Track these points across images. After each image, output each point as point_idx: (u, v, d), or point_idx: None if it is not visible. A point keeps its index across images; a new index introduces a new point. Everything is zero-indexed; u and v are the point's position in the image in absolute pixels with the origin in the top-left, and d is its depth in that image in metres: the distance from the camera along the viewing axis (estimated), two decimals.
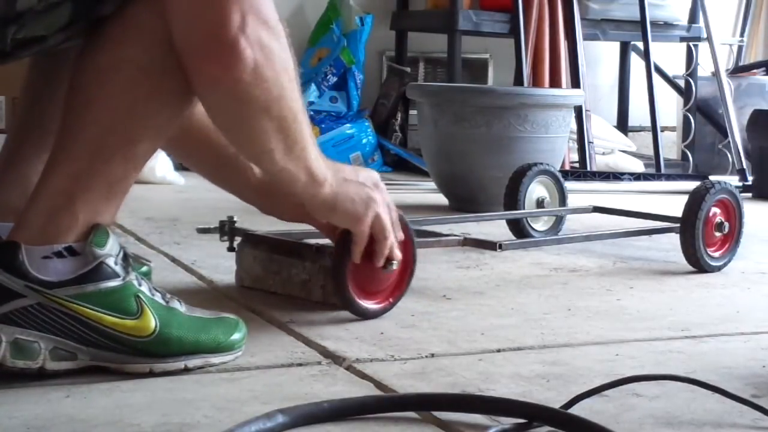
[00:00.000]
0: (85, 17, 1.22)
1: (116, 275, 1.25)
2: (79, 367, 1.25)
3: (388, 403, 1.18)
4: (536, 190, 2.45)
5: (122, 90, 1.23)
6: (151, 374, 1.27)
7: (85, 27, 1.24)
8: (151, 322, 1.26)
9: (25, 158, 1.46)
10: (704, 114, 4.49)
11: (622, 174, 3.75)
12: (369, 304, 1.61)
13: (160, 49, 1.22)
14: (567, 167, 3.79)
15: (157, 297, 1.29)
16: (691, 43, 4.44)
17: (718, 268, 2.13)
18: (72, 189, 1.23)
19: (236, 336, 1.35)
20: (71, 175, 1.24)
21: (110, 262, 1.25)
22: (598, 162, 3.96)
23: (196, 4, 1.18)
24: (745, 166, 3.83)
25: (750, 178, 3.75)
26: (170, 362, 1.28)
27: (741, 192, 2.34)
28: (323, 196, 1.42)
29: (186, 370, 1.29)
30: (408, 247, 1.66)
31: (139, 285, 1.28)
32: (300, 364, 1.36)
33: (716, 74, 4.07)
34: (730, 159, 4.10)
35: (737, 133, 3.94)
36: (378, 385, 1.28)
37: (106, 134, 1.23)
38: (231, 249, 1.81)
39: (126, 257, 1.28)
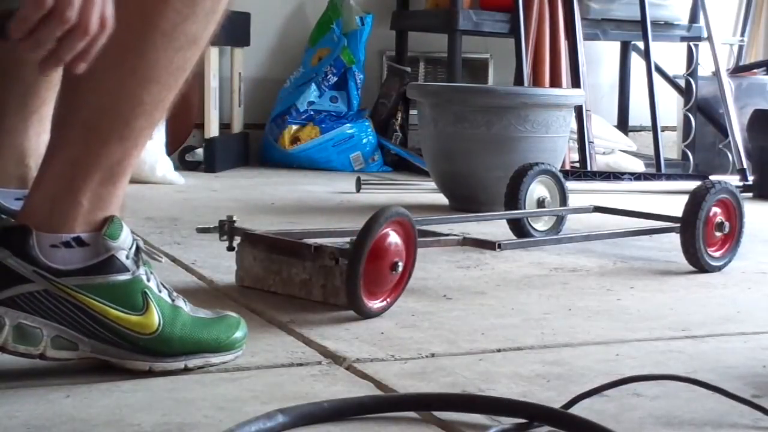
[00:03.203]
0: None
1: (126, 269, 1.25)
2: (78, 357, 1.24)
3: (388, 403, 1.18)
4: (537, 189, 2.45)
5: (107, 69, 1.20)
6: (151, 373, 1.27)
7: None
8: (155, 319, 1.26)
9: (13, 126, 1.44)
10: (705, 114, 4.48)
11: (623, 174, 3.74)
12: (372, 304, 1.61)
13: (141, 23, 1.20)
14: (567, 167, 3.79)
15: (164, 294, 1.29)
16: (691, 43, 4.43)
17: (719, 268, 2.13)
18: (72, 174, 1.22)
19: (237, 335, 1.34)
20: (69, 161, 1.22)
21: (121, 255, 1.25)
22: (599, 162, 3.96)
23: None
24: (745, 166, 3.83)
25: (750, 178, 3.75)
26: (170, 361, 1.28)
27: (741, 192, 2.34)
28: None
29: (186, 370, 1.29)
30: (409, 249, 1.66)
31: (148, 281, 1.27)
32: (300, 364, 1.36)
33: (717, 74, 4.07)
34: (731, 159, 4.09)
35: (738, 133, 3.94)
36: (378, 385, 1.28)
37: (99, 116, 1.22)
38: (231, 249, 1.81)
39: (138, 251, 1.28)
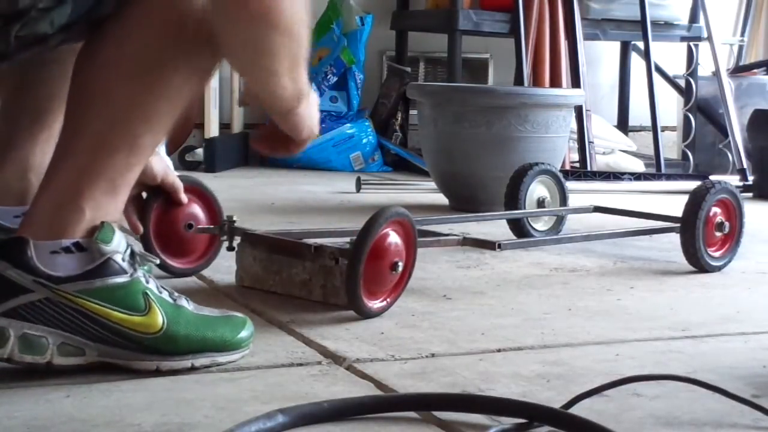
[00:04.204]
0: (84, 17, 1.24)
1: (123, 272, 1.26)
2: (86, 363, 1.25)
3: (388, 403, 1.18)
4: (537, 189, 2.45)
5: (122, 84, 1.26)
6: (157, 372, 1.27)
7: (84, 29, 1.26)
8: (159, 318, 1.27)
9: (20, 141, 1.47)
10: (705, 114, 4.49)
11: (623, 174, 3.74)
12: (372, 304, 1.61)
13: (159, 44, 1.25)
14: (567, 167, 3.79)
15: (165, 295, 1.30)
16: (691, 43, 4.44)
17: (719, 268, 2.13)
18: (77, 182, 1.25)
19: (243, 334, 1.35)
20: (76, 169, 1.25)
21: (117, 258, 1.26)
22: (599, 162, 3.96)
23: None
24: (745, 166, 3.83)
25: (750, 178, 3.75)
26: (177, 360, 1.28)
27: (741, 192, 2.34)
28: (299, 112, 1.40)
29: (193, 369, 1.29)
30: (409, 248, 1.66)
31: (147, 282, 1.28)
32: (300, 364, 1.36)
33: (717, 74, 4.07)
34: (731, 159, 4.09)
35: (738, 133, 3.94)
36: (378, 385, 1.28)
37: (109, 128, 1.26)
38: (231, 249, 1.81)
39: (133, 254, 1.29)
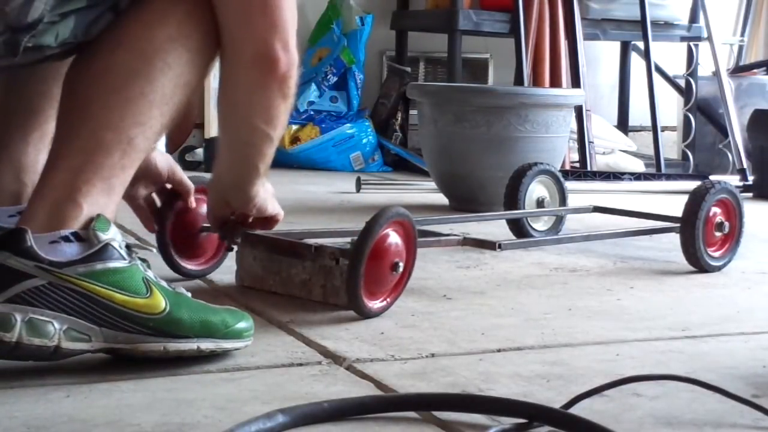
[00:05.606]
0: (82, 34, 1.29)
1: (122, 258, 1.28)
2: (93, 349, 1.25)
3: (388, 403, 1.18)
4: (536, 189, 2.45)
5: (114, 90, 1.29)
6: (164, 357, 1.28)
7: (75, 48, 1.32)
8: (161, 301, 1.29)
9: (13, 141, 1.49)
10: (705, 114, 4.49)
11: (623, 174, 3.75)
12: (372, 304, 1.62)
13: (152, 54, 1.30)
14: (567, 167, 3.79)
15: (163, 284, 1.32)
16: (691, 43, 4.44)
17: (719, 268, 2.13)
18: (74, 181, 1.27)
19: (243, 324, 1.36)
20: (72, 169, 1.27)
21: (115, 245, 1.28)
22: (599, 162, 3.96)
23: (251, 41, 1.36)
24: (745, 166, 3.83)
25: (750, 178, 3.75)
26: (183, 342, 1.29)
27: (741, 192, 2.34)
28: (261, 194, 1.59)
29: (199, 352, 1.30)
30: (410, 249, 1.66)
31: (145, 271, 1.30)
32: (300, 364, 1.36)
33: (717, 74, 4.07)
34: (731, 159, 4.10)
35: (738, 133, 3.94)
36: (378, 385, 1.28)
37: (103, 130, 1.29)
38: (230, 248, 1.82)
39: (129, 247, 1.31)
